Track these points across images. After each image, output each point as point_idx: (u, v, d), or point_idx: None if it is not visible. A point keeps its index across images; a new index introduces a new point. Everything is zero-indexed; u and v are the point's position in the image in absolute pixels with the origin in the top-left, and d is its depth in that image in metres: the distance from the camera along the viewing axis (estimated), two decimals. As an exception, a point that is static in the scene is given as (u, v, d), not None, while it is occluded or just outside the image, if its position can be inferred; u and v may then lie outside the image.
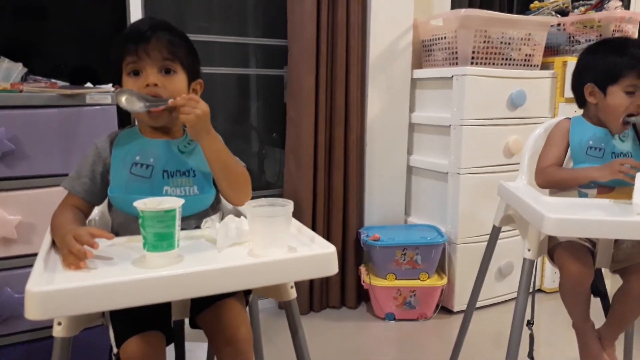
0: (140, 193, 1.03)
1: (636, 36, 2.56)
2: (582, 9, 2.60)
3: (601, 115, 1.46)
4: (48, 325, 0.94)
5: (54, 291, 0.79)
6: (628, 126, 1.43)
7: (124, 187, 1.09)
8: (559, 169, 1.45)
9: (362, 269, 2.35)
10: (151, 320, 1.04)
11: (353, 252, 2.39)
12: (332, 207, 2.33)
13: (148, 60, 1.08)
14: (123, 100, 1.07)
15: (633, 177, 1.24)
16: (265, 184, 2.61)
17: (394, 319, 2.29)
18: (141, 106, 1.07)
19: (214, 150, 1.10)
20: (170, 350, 1.11)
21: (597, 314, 1.52)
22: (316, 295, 2.35)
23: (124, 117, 1.54)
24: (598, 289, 1.42)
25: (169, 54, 1.10)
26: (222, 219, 1.12)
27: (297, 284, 1.11)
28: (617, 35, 2.41)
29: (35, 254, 0.96)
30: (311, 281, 2.32)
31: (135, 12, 2.00)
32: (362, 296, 2.44)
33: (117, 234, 1.12)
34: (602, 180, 1.36)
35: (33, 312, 0.79)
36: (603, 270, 1.46)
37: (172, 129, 1.16)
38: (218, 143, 1.11)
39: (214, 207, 1.18)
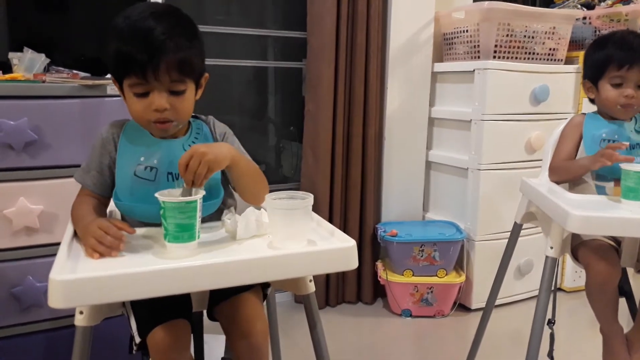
0: (146, 199, 1.01)
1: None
2: (609, 2, 2.54)
3: (601, 109, 1.46)
4: (69, 314, 0.95)
5: (77, 280, 0.80)
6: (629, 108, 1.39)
7: (128, 191, 1.05)
8: (563, 162, 1.43)
9: (379, 264, 2.34)
10: (174, 310, 1.04)
11: (370, 247, 2.38)
12: (350, 201, 2.32)
13: (156, 84, 1.01)
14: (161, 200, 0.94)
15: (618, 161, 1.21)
16: (282, 178, 2.60)
17: (411, 316, 2.28)
18: (178, 194, 0.99)
19: (241, 174, 1.09)
20: (188, 342, 1.12)
21: (622, 315, 1.49)
22: (332, 290, 2.35)
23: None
24: (623, 288, 1.39)
25: (180, 75, 1.03)
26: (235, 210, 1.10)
27: (313, 278, 1.10)
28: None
29: (57, 243, 0.96)
30: (327, 276, 2.31)
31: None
32: (379, 292, 2.43)
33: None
34: (593, 168, 1.32)
35: (56, 300, 0.79)
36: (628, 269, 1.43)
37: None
38: (242, 164, 1.08)
39: (226, 203, 1.14)
